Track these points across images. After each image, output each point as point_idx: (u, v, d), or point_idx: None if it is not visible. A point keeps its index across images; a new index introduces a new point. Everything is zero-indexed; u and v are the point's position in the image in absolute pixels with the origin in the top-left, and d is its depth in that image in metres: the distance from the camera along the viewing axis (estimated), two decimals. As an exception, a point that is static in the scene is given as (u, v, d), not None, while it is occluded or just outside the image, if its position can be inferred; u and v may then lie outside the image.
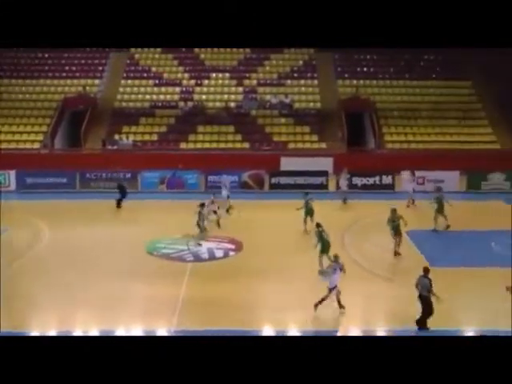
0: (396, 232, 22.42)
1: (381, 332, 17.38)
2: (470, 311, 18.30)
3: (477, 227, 25.99)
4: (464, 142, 37.38)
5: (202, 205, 24.48)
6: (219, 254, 23.53)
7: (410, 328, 16.69)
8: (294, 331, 17.14)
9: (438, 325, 16.88)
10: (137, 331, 16.80)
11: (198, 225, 24.25)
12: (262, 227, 25.65)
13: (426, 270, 16.97)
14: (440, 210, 25.63)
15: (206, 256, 23.25)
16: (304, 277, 20.67)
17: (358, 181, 32.61)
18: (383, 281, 20.74)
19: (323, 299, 17.92)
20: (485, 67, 41.00)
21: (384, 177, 32.70)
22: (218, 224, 25.96)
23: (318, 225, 21.55)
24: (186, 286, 19.97)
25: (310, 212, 25.19)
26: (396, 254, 22.53)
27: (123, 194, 29.51)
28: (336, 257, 18.52)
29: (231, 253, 23.59)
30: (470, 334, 16.38)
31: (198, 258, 22.97)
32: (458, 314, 18.26)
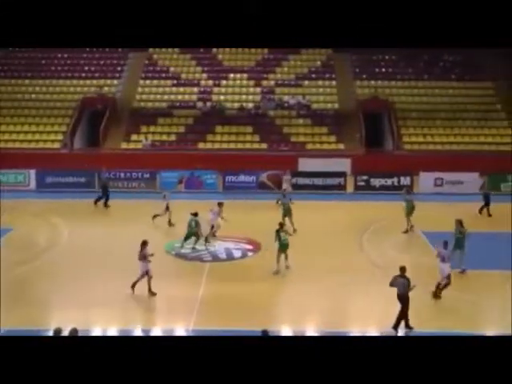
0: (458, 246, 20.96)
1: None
2: (502, 316, 18.13)
3: (495, 229, 25.79)
4: (483, 144, 37.20)
5: (196, 214, 23.75)
6: (237, 254, 23.56)
7: (432, 331, 16.68)
8: (312, 332, 17.15)
9: (459, 328, 16.88)
10: (156, 331, 16.89)
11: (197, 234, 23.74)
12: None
13: (403, 270, 16.95)
14: (409, 212, 25.19)
15: (223, 256, 23.30)
16: (321, 276, 20.68)
17: (376, 182, 32.52)
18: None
19: (446, 284, 18.49)
20: (506, 68, 40.70)
21: (402, 178, 32.54)
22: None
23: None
24: (204, 286, 20.03)
25: (287, 212, 25.29)
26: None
27: (106, 193, 29.50)
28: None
29: (249, 253, 23.61)
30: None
31: (215, 259, 23.02)
32: (478, 317, 18.19)
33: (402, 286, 16.76)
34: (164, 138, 38.19)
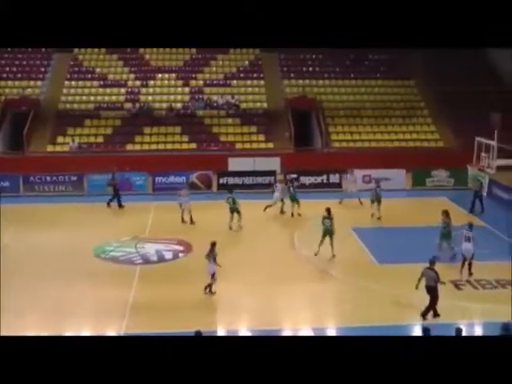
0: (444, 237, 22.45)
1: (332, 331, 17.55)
2: (420, 307, 18.58)
3: (422, 223, 26.42)
4: (409, 140, 38.10)
5: (231, 191, 26.19)
6: (168, 255, 23.32)
7: (360, 326, 16.95)
8: (245, 331, 17.14)
9: (381, 321, 17.22)
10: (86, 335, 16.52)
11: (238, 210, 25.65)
12: (211, 227, 25.53)
13: (432, 263, 17.78)
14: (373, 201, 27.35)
15: (155, 258, 23.02)
16: (252, 274, 20.69)
17: (306, 180, 32.78)
18: (332, 279, 20.92)
19: (470, 264, 20.41)
20: (427, 66, 41.83)
21: (331, 175, 32.94)
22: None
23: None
24: (135, 289, 19.73)
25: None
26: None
27: (117, 193, 29.40)
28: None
29: (180, 254, 23.42)
30: (419, 330, 16.64)
31: (146, 261, 22.73)
32: (407, 310, 18.56)
33: (430, 278, 17.53)
34: (91, 139, 37.43)
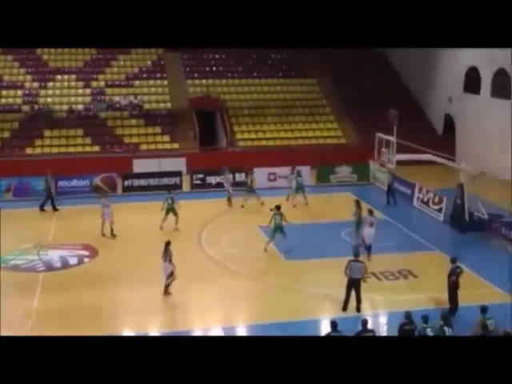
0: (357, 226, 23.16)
1: (242, 329, 17.60)
2: (327, 302, 18.93)
3: (327, 219, 26.96)
4: (312, 138, 38.75)
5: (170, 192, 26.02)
6: (73, 261, 22.70)
7: (270, 322, 17.07)
8: (155, 333, 16.93)
9: (291, 317, 17.42)
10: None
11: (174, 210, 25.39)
12: (117, 231, 25.04)
13: (357, 254, 18.04)
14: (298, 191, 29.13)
15: (58, 265, 22.35)
16: (160, 275, 20.45)
17: (211, 179, 32.74)
18: (240, 278, 20.96)
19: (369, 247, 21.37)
20: (328, 65, 42.70)
21: (237, 175, 33.03)
22: None
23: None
24: (38, 297, 19.10)
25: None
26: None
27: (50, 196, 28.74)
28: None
29: (86, 259, 22.85)
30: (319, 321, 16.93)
31: (50, 268, 22.02)
32: (313, 305, 18.86)
33: (356, 270, 17.69)
34: (-12, 144, 35.97)
